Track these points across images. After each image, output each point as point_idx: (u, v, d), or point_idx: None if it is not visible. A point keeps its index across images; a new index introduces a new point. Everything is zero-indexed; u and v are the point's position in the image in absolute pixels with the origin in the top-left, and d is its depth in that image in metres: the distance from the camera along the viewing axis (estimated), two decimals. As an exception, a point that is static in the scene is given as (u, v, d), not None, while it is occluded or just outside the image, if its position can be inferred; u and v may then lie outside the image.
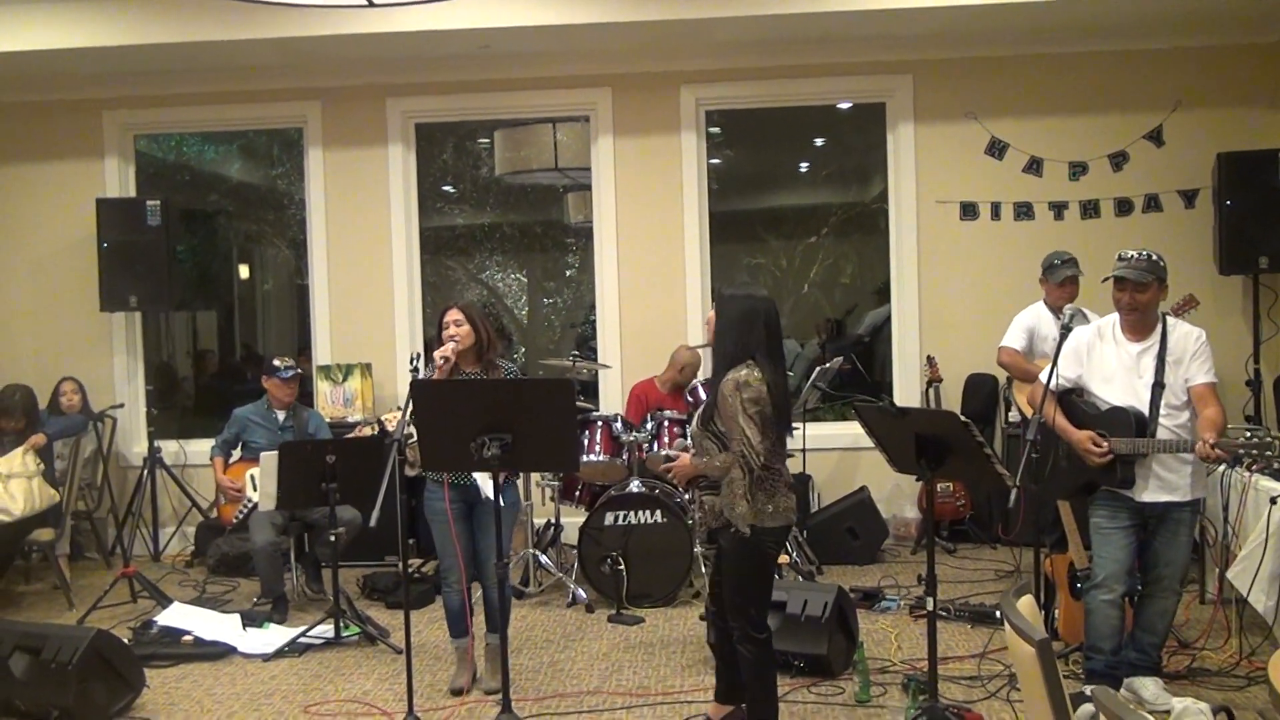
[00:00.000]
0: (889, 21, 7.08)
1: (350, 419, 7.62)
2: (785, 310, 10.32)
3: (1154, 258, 4.41)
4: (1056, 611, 5.23)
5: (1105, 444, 4.36)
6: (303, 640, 5.69)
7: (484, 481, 4.82)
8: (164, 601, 6.22)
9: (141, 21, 7.02)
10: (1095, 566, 4.53)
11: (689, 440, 4.75)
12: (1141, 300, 4.40)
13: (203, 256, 10.13)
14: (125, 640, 5.31)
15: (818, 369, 7.06)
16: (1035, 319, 6.21)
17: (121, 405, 7.96)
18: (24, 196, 8.18)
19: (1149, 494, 4.40)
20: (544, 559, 6.71)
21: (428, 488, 4.95)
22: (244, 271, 10.54)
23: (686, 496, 6.25)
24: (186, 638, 5.71)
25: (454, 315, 4.88)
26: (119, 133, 8.18)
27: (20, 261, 8.19)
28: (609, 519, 6.25)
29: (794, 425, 7.01)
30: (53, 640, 4.66)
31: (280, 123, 8.48)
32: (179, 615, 5.94)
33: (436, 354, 4.79)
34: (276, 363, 6.70)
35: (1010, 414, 6.67)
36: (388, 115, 8.01)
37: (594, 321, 8.21)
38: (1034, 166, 7.66)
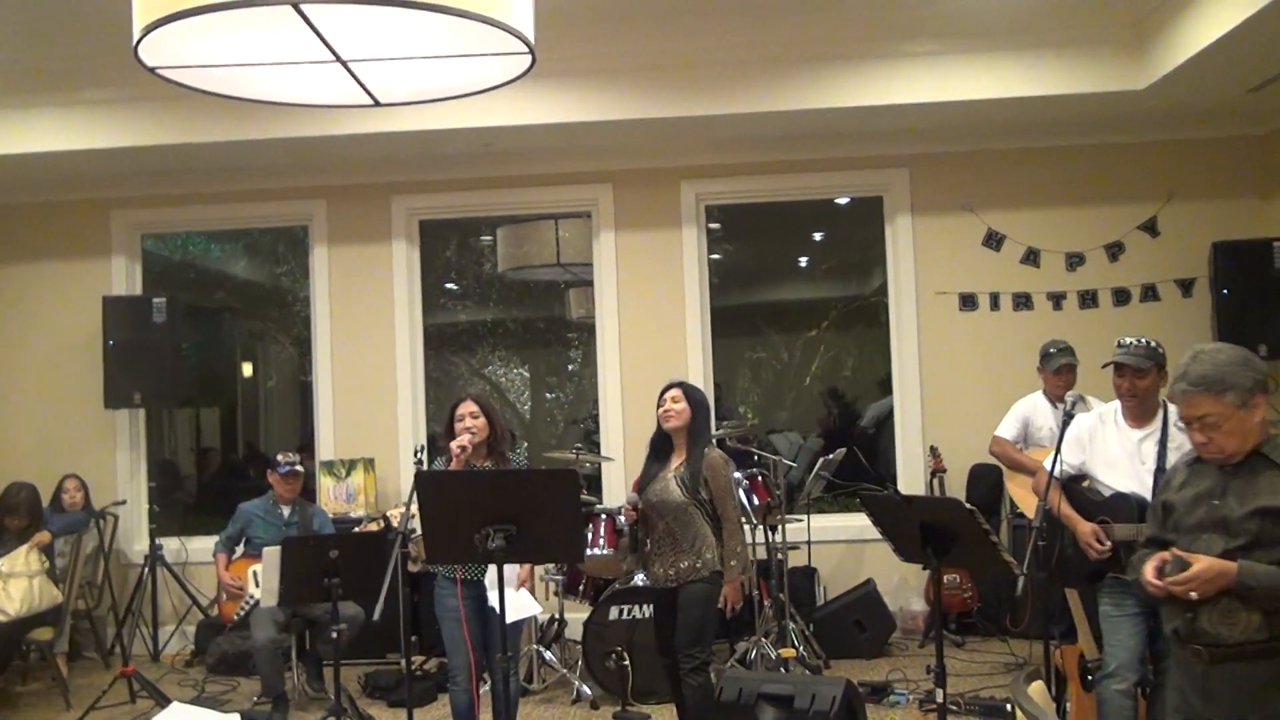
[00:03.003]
0: (885, 117, 7.22)
1: (353, 514, 7.59)
2: (787, 404, 10.38)
3: (1153, 344, 4.45)
4: (1068, 704, 5.16)
5: (1108, 543, 4.37)
6: (303, 740, 5.61)
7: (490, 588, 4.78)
8: (163, 701, 6.12)
9: (149, 123, 7.14)
10: (1107, 655, 4.49)
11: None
12: (1141, 386, 4.43)
13: (207, 353, 10.19)
14: (123, 741, 5.24)
15: (821, 460, 7.05)
16: (1031, 409, 6.26)
17: (124, 502, 7.94)
18: (32, 295, 8.25)
19: (1155, 581, 4.36)
20: (548, 655, 6.63)
21: (438, 584, 4.91)
22: (247, 369, 10.59)
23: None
24: (185, 738, 5.62)
25: (470, 408, 4.89)
26: (126, 232, 8.29)
27: (27, 359, 8.23)
28: (613, 613, 6.19)
29: (798, 517, 7.09)
30: (50, 740, 4.60)
31: (286, 221, 8.59)
32: (178, 715, 5.82)
33: (454, 444, 4.79)
34: (279, 457, 6.71)
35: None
36: (392, 212, 8.12)
37: (597, 416, 8.22)
38: (1031, 257, 7.74)
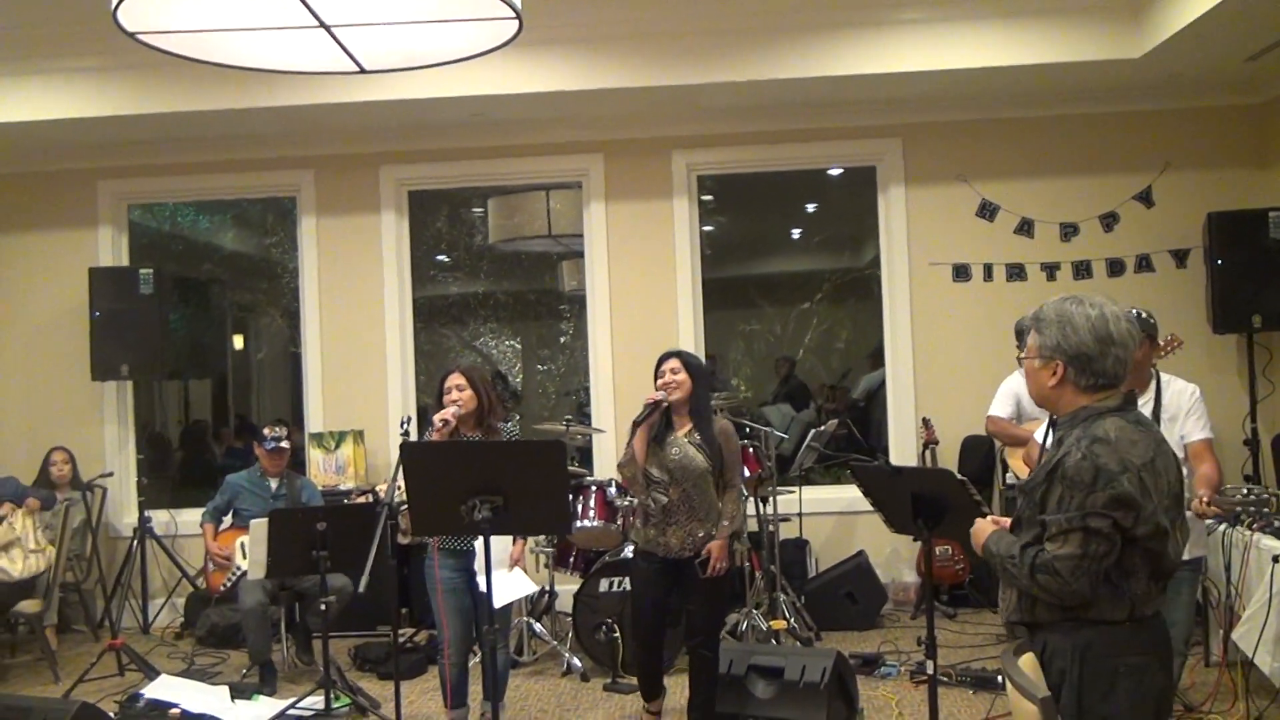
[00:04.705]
0: (877, 86, 7.15)
1: (342, 486, 7.55)
2: (780, 375, 10.35)
3: (1144, 314, 4.40)
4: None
5: None
6: (292, 712, 5.57)
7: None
8: (151, 674, 6.12)
9: (136, 92, 7.05)
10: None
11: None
12: (1135, 357, 4.37)
13: (196, 326, 10.14)
14: (111, 714, 5.21)
15: (813, 431, 7.03)
16: (1020, 384, 6.22)
17: (111, 474, 7.90)
18: (17, 266, 8.17)
19: (1148, 553, 4.34)
20: (538, 627, 6.62)
21: (429, 557, 4.87)
22: (238, 341, 10.55)
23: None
24: (173, 711, 5.59)
25: (456, 380, 4.85)
26: (113, 202, 8.20)
27: (13, 331, 8.17)
28: (603, 585, 6.17)
29: (789, 489, 7.07)
30: (35, 713, 4.58)
31: (274, 191, 8.49)
32: (166, 688, 5.84)
33: (436, 417, 4.74)
34: (266, 431, 6.66)
35: (1007, 476, 6.65)
36: (381, 183, 8.04)
37: (588, 388, 8.18)
38: (1025, 228, 7.69)
